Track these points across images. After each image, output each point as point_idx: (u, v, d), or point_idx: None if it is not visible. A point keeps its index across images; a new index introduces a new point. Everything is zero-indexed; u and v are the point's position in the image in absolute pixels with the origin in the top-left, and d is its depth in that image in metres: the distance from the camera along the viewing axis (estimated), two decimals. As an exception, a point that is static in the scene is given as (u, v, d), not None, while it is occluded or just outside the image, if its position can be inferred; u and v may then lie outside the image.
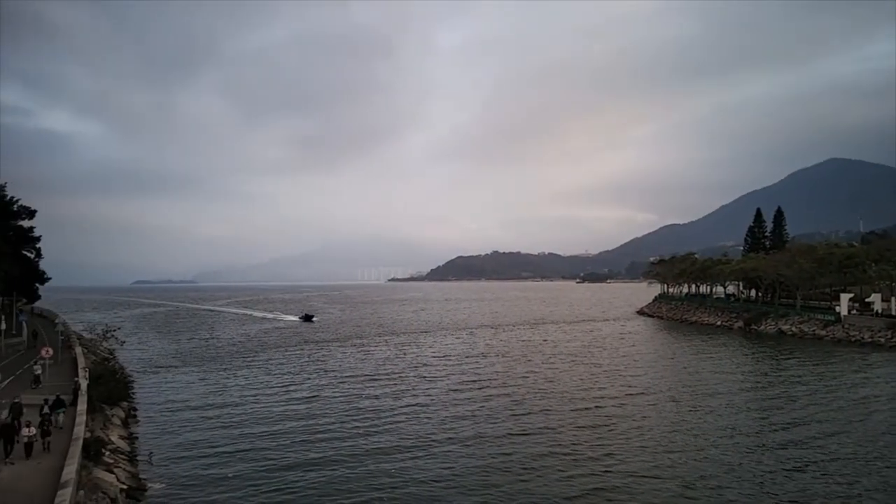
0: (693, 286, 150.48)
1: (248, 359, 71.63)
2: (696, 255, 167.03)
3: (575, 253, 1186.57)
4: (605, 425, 38.35)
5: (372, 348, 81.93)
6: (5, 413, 28.07)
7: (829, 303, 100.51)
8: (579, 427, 37.86)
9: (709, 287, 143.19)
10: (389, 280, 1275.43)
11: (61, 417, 30.59)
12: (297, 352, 78.62)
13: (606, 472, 29.33)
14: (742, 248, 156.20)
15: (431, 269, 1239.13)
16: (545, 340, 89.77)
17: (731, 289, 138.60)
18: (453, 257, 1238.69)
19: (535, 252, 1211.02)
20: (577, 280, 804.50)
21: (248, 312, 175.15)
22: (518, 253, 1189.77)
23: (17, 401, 29.45)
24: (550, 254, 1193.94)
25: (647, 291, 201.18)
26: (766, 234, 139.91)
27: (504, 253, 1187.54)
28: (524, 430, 37.12)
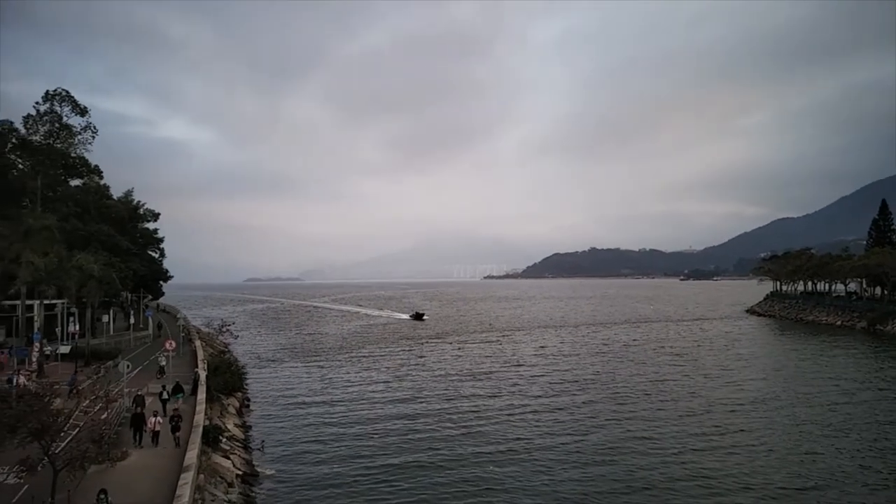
0: (809, 283, 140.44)
1: (354, 354, 73.91)
2: (812, 251, 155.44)
3: (678, 249, 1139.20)
4: (717, 434, 36.03)
5: (470, 345, 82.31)
6: (130, 403, 30.40)
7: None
8: (688, 435, 35.92)
9: (827, 284, 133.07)
10: (485, 277, 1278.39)
11: (179, 402, 33.72)
12: (400, 348, 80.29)
13: (719, 486, 27.69)
14: (865, 242, 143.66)
15: (527, 267, 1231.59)
16: (648, 340, 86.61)
17: (852, 286, 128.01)
18: (549, 254, 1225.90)
19: (636, 248, 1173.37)
20: (681, 277, 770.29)
21: (358, 310, 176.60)
22: (617, 249, 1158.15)
23: (140, 393, 31.89)
24: (652, 250, 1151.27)
25: (757, 289, 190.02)
26: (893, 227, 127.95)
27: (602, 249, 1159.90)
28: (628, 436, 35.54)
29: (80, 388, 25.38)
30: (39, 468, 17.80)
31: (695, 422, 38.87)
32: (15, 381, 34.95)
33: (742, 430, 36.62)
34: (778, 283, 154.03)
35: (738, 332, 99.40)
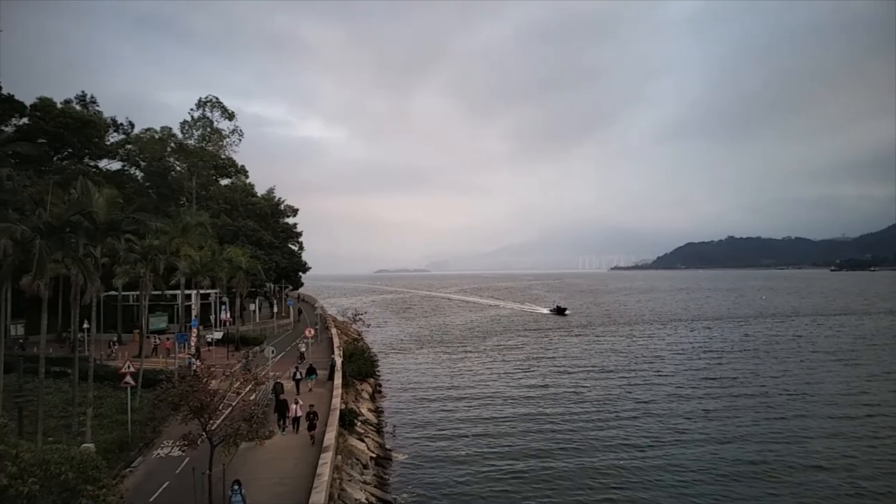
0: None
1: (483, 346, 74.62)
2: None
3: (829, 237, 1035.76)
4: (879, 444, 32.47)
5: (599, 339, 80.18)
6: (271, 390, 32.32)
7: None
8: (844, 443, 32.71)
9: None
10: (612, 269, 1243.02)
11: (311, 383, 36.95)
12: (528, 341, 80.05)
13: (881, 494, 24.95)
14: None
15: (658, 257, 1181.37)
16: (796, 336, 79.71)
17: None
18: (682, 244, 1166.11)
19: (779, 237, 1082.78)
20: (832, 268, 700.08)
21: (494, 303, 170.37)
22: (758, 238, 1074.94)
23: (278, 381, 34.00)
24: (797, 238, 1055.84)
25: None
26: None
27: (741, 238, 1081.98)
28: (773, 445, 32.39)
29: (233, 370, 27.57)
30: (199, 443, 19.47)
31: (852, 425, 35.32)
32: (193, 364, 38.81)
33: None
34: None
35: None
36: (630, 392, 45.67)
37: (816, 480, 26.66)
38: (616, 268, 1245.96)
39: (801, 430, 34.63)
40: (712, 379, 50.23)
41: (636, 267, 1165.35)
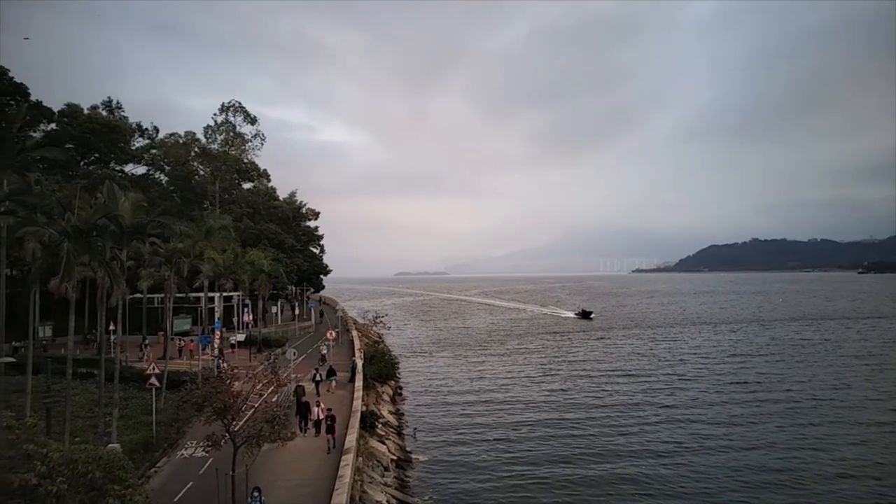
0: None
1: (503, 350, 74.40)
2: None
3: (855, 238, 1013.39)
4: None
5: (622, 342, 79.46)
6: (292, 393, 32.50)
7: None
8: (875, 450, 32.01)
9: None
10: (633, 271, 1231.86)
11: (332, 384, 37.55)
12: (549, 344, 79.62)
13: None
14: None
15: (680, 260, 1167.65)
16: (823, 340, 78.24)
17: None
18: (705, 246, 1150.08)
19: (805, 238, 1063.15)
20: (859, 270, 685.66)
21: (516, 306, 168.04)
22: (783, 240, 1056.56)
23: (300, 384, 34.20)
24: (823, 240, 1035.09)
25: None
26: None
27: (765, 240, 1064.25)
28: (801, 444, 32.12)
29: (256, 371, 27.84)
30: (223, 444, 19.66)
31: (881, 437, 34.43)
32: (219, 364, 39.38)
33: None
34: None
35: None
36: (653, 397, 45.11)
37: (845, 489, 26.15)
38: (637, 270, 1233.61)
39: (828, 437, 33.98)
40: (737, 383, 49.52)
41: (658, 269, 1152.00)
